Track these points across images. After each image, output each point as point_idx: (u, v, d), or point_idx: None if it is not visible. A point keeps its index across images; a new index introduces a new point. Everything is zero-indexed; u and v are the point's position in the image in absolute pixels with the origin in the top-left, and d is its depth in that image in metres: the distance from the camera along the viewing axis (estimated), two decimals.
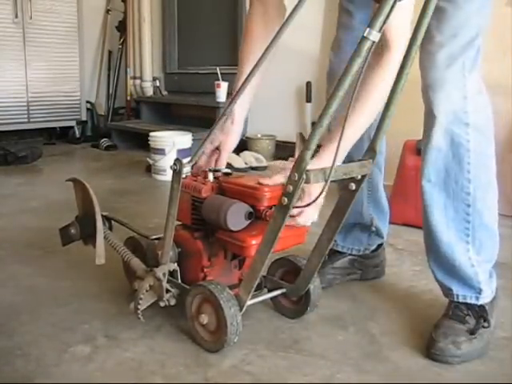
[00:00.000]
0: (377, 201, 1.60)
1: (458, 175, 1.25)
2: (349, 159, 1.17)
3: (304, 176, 1.01)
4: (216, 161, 1.39)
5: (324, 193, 1.06)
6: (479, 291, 1.27)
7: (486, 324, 1.25)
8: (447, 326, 1.25)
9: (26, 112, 4.13)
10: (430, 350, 1.21)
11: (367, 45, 0.94)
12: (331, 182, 1.03)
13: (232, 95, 1.26)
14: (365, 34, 0.93)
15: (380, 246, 1.67)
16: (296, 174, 1.02)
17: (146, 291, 1.25)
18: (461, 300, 1.29)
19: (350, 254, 1.62)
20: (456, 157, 1.25)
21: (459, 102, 1.23)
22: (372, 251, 1.64)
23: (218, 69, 3.74)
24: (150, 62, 4.56)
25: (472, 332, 1.23)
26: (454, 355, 1.19)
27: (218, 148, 1.38)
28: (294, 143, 3.51)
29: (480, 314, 1.27)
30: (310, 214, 1.21)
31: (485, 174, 1.28)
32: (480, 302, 1.27)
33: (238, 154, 3.46)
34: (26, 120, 4.14)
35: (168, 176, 2.95)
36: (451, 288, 1.30)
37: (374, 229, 1.61)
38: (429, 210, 1.29)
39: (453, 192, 1.26)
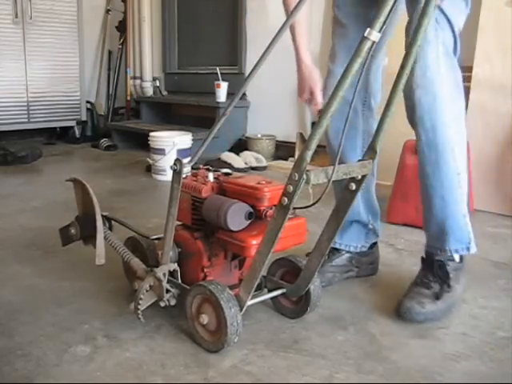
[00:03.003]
0: (369, 201, 1.64)
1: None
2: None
3: (304, 176, 1.01)
4: (316, 101, 1.51)
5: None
6: (469, 241, 1.40)
7: (448, 289, 1.39)
8: (415, 292, 1.40)
9: (26, 112, 4.13)
10: (398, 310, 1.37)
11: (367, 45, 0.94)
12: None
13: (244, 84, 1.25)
14: (365, 34, 0.94)
15: (375, 243, 1.70)
16: (296, 174, 1.02)
17: (147, 291, 1.25)
18: (453, 254, 1.40)
19: (347, 252, 1.64)
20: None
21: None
22: (367, 249, 1.67)
23: (217, 69, 3.74)
24: (150, 62, 4.57)
25: (437, 296, 1.37)
26: (419, 313, 1.35)
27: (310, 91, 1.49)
28: (294, 143, 3.51)
29: (443, 279, 1.40)
30: None
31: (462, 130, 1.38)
32: (471, 252, 1.41)
33: (237, 154, 3.46)
34: (26, 120, 4.14)
35: (168, 176, 2.95)
36: (445, 245, 1.40)
37: (371, 226, 1.65)
38: (423, 169, 1.37)
39: (442, 147, 1.34)
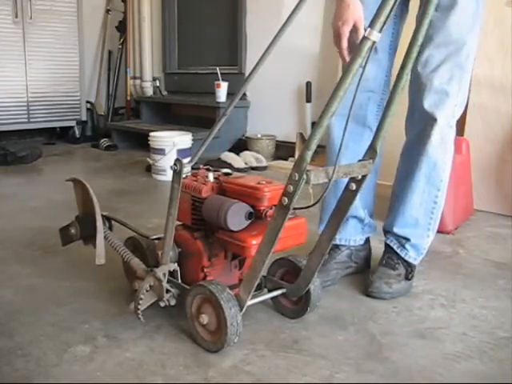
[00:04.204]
0: (367, 197, 1.65)
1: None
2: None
3: (304, 176, 1.01)
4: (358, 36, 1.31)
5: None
6: (420, 255, 1.58)
7: (412, 272, 1.56)
8: (382, 272, 1.54)
9: (25, 112, 4.13)
10: (368, 289, 1.51)
11: (368, 45, 0.94)
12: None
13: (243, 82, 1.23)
14: (365, 34, 0.94)
15: (367, 237, 1.72)
16: (296, 174, 1.02)
17: (147, 291, 1.25)
18: (406, 258, 1.57)
19: (346, 248, 1.65)
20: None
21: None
22: (363, 242, 1.69)
23: (217, 69, 3.74)
24: (150, 62, 4.57)
25: (406, 277, 1.54)
26: (386, 292, 1.49)
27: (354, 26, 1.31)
28: (294, 143, 3.51)
29: (407, 263, 1.57)
30: None
31: (450, 163, 1.53)
32: (415, 263, 1.58)
33: (238, 154, 3.46)
34: (26, 120, 4.14)
35: (168, 176, 2.95)
36: (407, 248, 1.57)
37: (367, 221, 1.67)
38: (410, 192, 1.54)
39: (432, 179, 1.51)
